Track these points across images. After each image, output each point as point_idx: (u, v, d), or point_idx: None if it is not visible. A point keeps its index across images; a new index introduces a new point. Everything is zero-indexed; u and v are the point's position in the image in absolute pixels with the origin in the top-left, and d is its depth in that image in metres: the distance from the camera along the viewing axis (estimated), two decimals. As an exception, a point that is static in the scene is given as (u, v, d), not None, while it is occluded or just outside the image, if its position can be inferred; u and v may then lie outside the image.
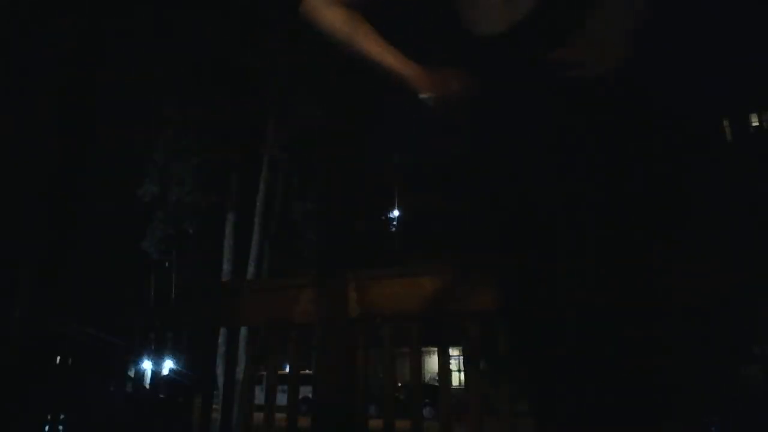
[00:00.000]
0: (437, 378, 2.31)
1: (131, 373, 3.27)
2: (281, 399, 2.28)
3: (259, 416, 2.31)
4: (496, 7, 0.95)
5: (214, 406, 2.67)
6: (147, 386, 2.94)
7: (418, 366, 2.15)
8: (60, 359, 2.82)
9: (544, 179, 0.90)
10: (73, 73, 3.00)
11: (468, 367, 2.04)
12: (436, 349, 2.16)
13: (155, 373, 2.95)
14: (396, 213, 23.10)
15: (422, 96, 1.04)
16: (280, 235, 13.96)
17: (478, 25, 0.98)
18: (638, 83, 0.96)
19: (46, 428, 2.75)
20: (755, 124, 28.03)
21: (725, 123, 27.97)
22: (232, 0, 11.45)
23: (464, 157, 1.03)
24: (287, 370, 2.51)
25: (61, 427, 2.83)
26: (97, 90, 3.12)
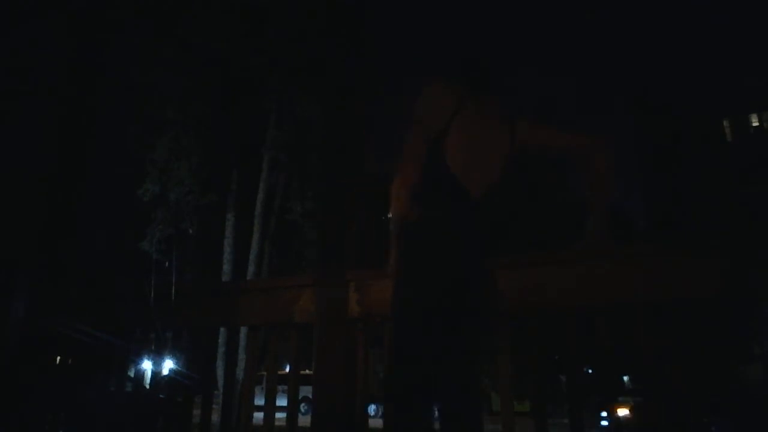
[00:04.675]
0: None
1: (131, 373, 3.26)
2: (281, 399, 2.28)
3: (259, 416, 2.31)
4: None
5: (214, 406, 2.67)
6: (147, 386, 2.94)
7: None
8: (60, 359, 2.82)
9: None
10: (73, 73, 3.00)
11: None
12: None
13: (155, 373, 2.95)
14: (396, 213, 23.03)
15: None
16: (280, 235, 13.94)
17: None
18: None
19: (46, 428, 2.74)
20: (755, 124, 28.02)
21: (725, 123, 27.97)
22: (232, 0, 11.45)
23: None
24: (287, 370, 2.51)
25: (60, 428, 2.83)
26: (98, 90, 3.12)
